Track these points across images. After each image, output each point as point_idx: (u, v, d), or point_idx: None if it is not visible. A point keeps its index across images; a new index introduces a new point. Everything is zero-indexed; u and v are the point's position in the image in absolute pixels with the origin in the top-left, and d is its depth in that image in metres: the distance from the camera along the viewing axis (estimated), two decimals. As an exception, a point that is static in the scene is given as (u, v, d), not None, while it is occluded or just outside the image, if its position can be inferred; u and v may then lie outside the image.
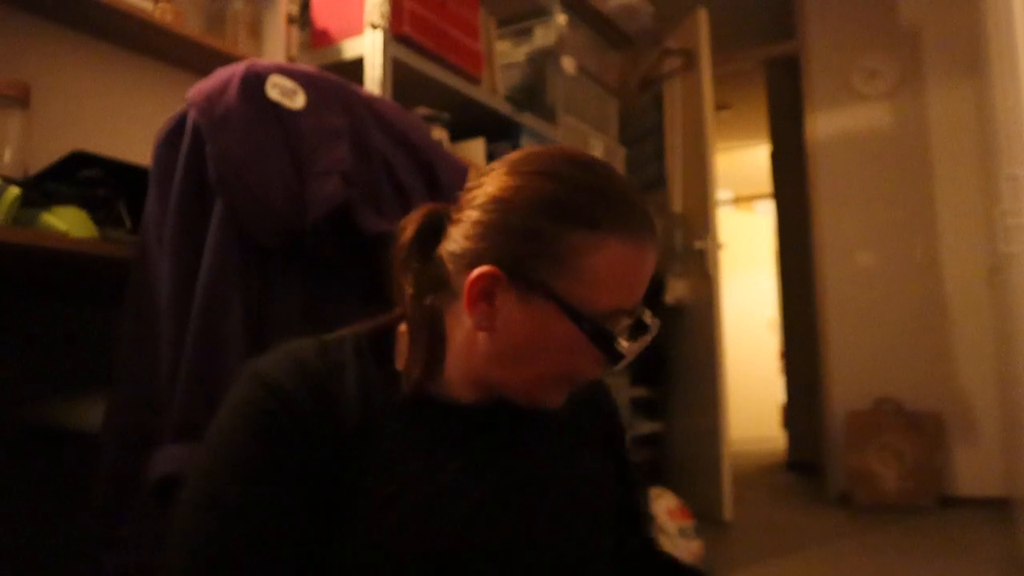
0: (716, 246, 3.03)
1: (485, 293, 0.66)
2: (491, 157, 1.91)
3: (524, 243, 0.65)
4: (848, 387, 3.52)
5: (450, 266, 0.69)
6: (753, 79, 4.36)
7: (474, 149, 1.87)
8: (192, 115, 0.95)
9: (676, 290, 3.08)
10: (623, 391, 2.99)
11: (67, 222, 1.01)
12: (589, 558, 0.72)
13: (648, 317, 0.72)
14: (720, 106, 4.38)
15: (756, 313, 6.01)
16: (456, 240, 0.69)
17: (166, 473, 0.82)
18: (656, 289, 3.02)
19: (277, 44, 1.70)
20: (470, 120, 1.90)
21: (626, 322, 0.68)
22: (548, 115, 2.17)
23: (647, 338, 0.71)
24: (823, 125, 3.74)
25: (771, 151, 4.40)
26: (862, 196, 3.62)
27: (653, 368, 3.27)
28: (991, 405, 3.21)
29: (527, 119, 2.03)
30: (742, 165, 6.03)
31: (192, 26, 1.66)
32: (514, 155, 0.71)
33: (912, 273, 3.47)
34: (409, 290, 0.71)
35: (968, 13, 3.03)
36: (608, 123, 2.94)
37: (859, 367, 3.51)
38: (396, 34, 1.58)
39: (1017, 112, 1.89)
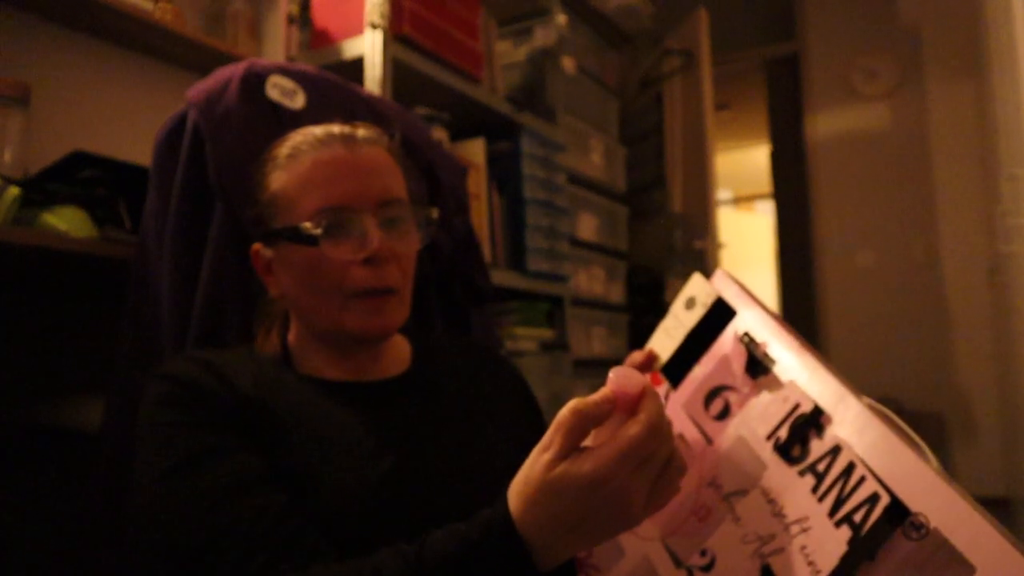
0: (716, 246, 3.03)
1: (263, 267, 0.78)
2: (491, 157, 1.90)
3: (251, 208, 0.78)
4: (848, 387, 3.52)
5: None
6: (753, 79, 4.35)
7: (474, 149, 1.86)
8: (192, 115, 0.95)
9: (676, 290, 3.06)
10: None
11: (67, 222, 1.01)
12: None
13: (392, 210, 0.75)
14: (720, 106, 4.36)
15: (756, 313, 5.99)
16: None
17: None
18: (656, 289, 3.02)
19: (277, 44, 1.70)
20: (470, 120, 1.89)
21: (335, 216, 0.71)
22: (548, 115, 2.17)
23: (356, 221, 0.72)
24: (823, 125, 3.73)
25: (771, 151, 4.39)
26: (862, 196, 3.61)
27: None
28: (991, 405, 3.21)
29: (527, 119, 2.02)
30: (742, 165, 6.02)
31: (192, 26, 1.66)
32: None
33: (912, 273, 3.47)
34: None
35: (968, 13, 3.02)
36: (608, 123, 2.93)
37: (859, 367, 3.51)
38: (396, 34, 1.58)
39: (1017, 112, 1.88)
